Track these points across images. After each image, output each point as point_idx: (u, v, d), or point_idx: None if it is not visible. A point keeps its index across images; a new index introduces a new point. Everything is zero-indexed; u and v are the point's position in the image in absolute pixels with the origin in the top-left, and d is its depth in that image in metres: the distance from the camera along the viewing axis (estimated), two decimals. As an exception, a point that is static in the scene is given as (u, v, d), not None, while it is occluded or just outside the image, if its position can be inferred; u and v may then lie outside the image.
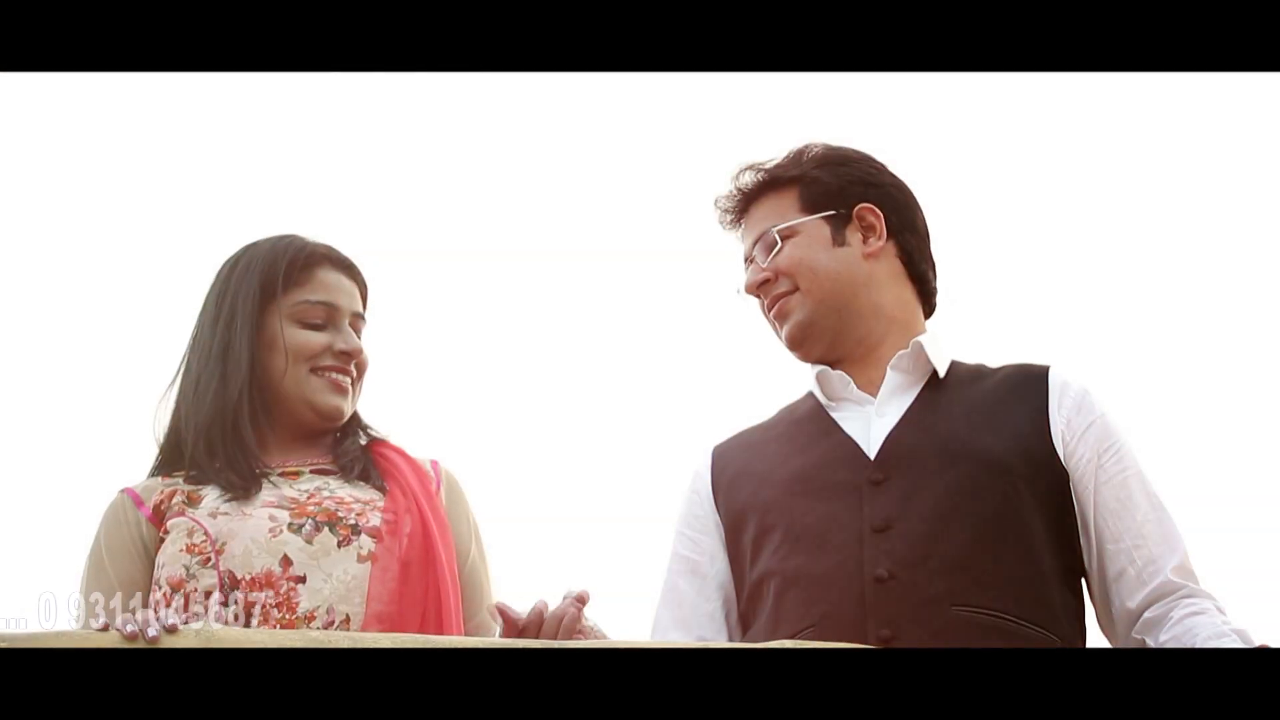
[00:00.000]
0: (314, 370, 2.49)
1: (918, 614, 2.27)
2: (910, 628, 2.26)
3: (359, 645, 1.99)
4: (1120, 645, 2.39)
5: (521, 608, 2.22)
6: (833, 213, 2.55)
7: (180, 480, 2.45)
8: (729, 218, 2.64)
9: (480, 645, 2.06)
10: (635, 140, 4.51)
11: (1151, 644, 2.33)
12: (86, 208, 4.49)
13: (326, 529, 2.37)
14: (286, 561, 2.33)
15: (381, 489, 2.46)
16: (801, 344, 2.55)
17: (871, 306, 2.53)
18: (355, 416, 2.57)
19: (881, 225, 2.55)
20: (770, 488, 2.45)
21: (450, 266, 4.49)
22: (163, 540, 2.39)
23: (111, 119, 4.41)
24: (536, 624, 2.20)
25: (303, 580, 2.32)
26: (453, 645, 2.05)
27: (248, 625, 2.26)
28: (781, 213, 2.57)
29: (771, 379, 2.70)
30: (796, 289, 2.53)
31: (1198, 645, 2.27)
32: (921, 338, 2.51)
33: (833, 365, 2.53)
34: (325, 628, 2.29)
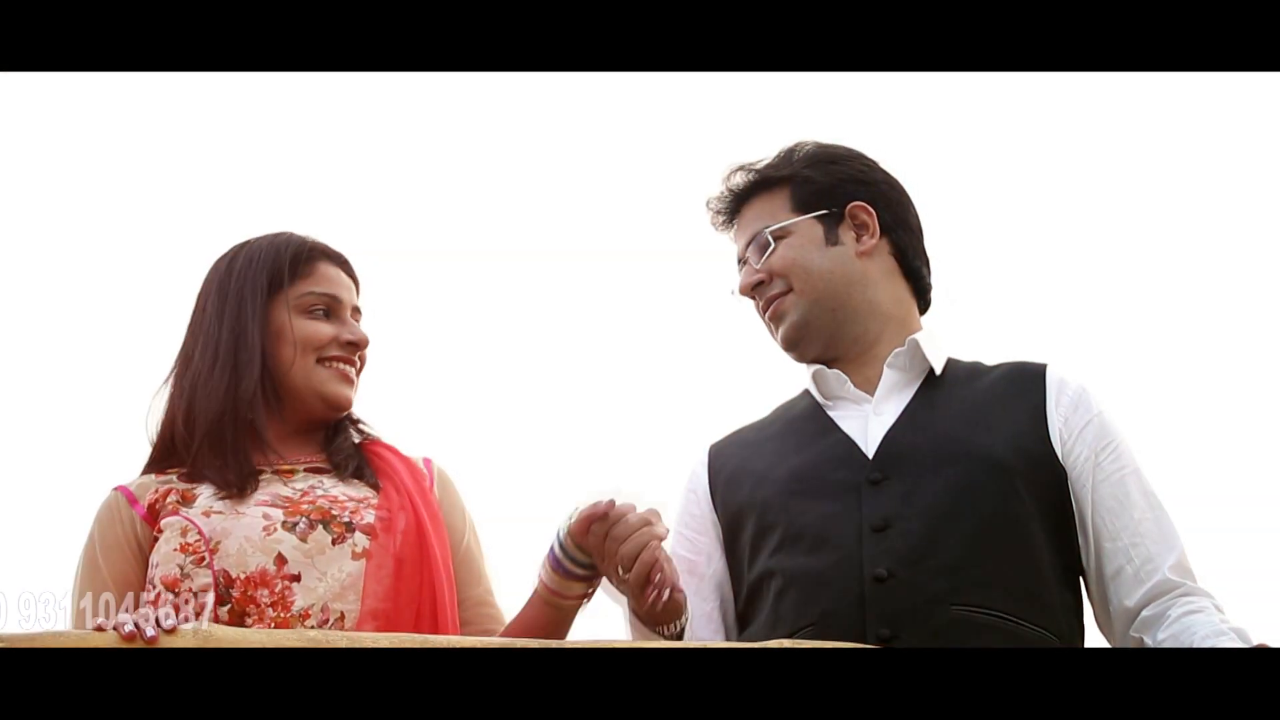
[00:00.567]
0: (320, 360, 2.50)
1: (917, 613, 2.27)
2: (909, 627, 2.26)
3: (358, 645, 1.99)
4: (1118, 643, 2.39)
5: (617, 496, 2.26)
6: (825, 212, 2.55)
7: (174, 478, 2.45)
8: (721, 219, 2.63)
9: (480, 645, 2.05)
10: (633, 140, 4.51)
11: (1149, 642, 2.33)
12: (81, 207, 4.50)
13: (321, 527, 2.37)
14: (281, 560, 2.32)
15: (375, 487, 2.46)
16: (797, 345, 2.55)
17: (866, 305, 2.53)
18: (348, 413, 2.57)
19: (874, 223, 2.55)
20: (768, 487, 2.45)
21: (447, 266, 4.49)
22: (157, 539, 2.38)
23: (104, 119, 4.41)
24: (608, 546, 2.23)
25: (297, 578, 2.32)
26: (452, 645, 2.05)
27: (243, 624, 2.26)
28: (773, 213, 2.56)
29: (768, 378, 2.70)
30: (790, 290, 2.53)
31: (1195, 643, 2.27)
32: (918, 335, 2.51)
33: (829, 364, 2.53)
34: (320, 625, 2.29)
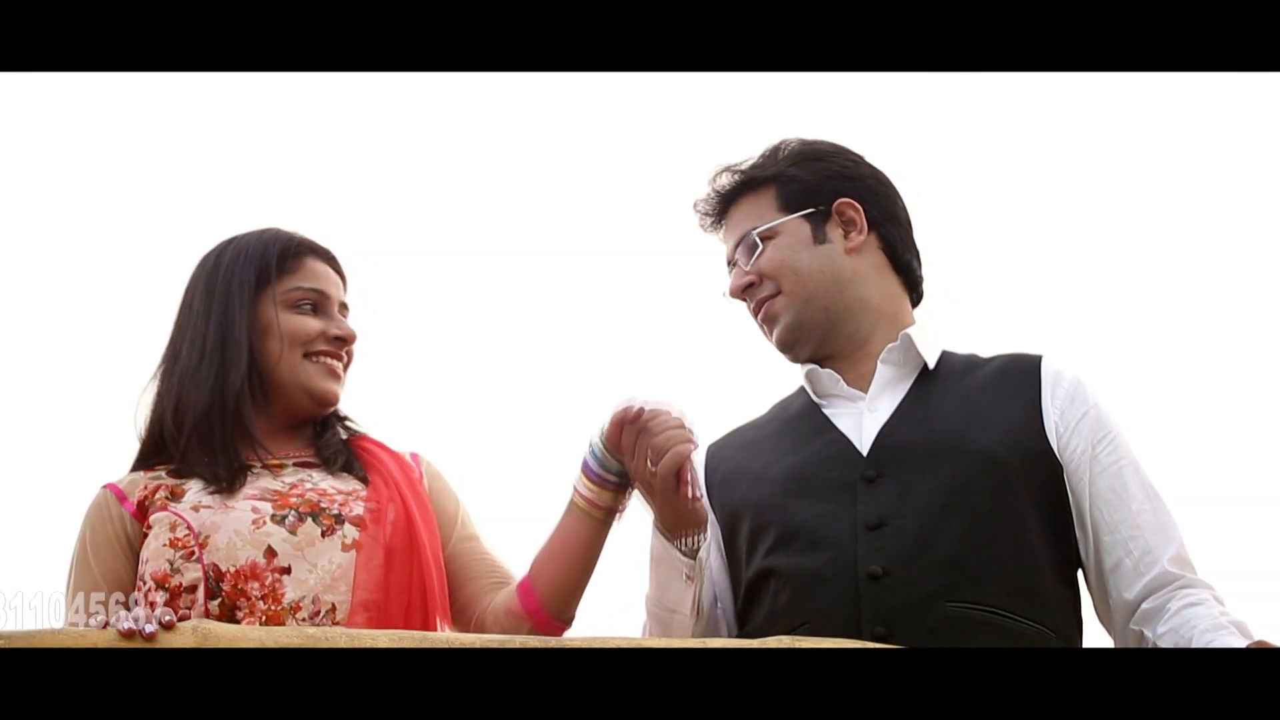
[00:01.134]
0: (308, 355, 2.49)
1: (912, 610, 2.27)
2: (904, 624, 2.26)
3: (358, 645, 1.99)
4: (1118, 636, 2.39)
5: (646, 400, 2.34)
6: (812, 210, 2.54)
7: (163, 474, 2.45)
8: (709, 220, 2.62)
9: (479, 645, 2.05)
10: (630, 140, 4.51)
11: (1149, 635, 2.33)
12: (69, 205, 4.50)
13: (310, 519, 2.37)
14: (271, 553, 2.33)
15: (364, 480, 2.47)
16: (792, 346, 2.54)
17: (858, 302, 2.52)
18: (335, 409, 2.57)
19: (862, 219, 2.54)
20: (764, 486, 2.45)
21: (446, 266, 4.50)
22: (146, 535, 2.39)
23: (98, 119, 4.41)
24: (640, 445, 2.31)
25: (288, 571, 2.32)
26: (451, 645, 2.05)
27: (234, 617, 2.27)
28: (760, 213, 2.55)
29: (765, 377, 2.70)
30: (780, 292, 2.52)
31: (1195, 636, 2.26)
32: (910, 330, 2.50)
33: (824, 363, 2.52)
34: (311, 617, 2.30)
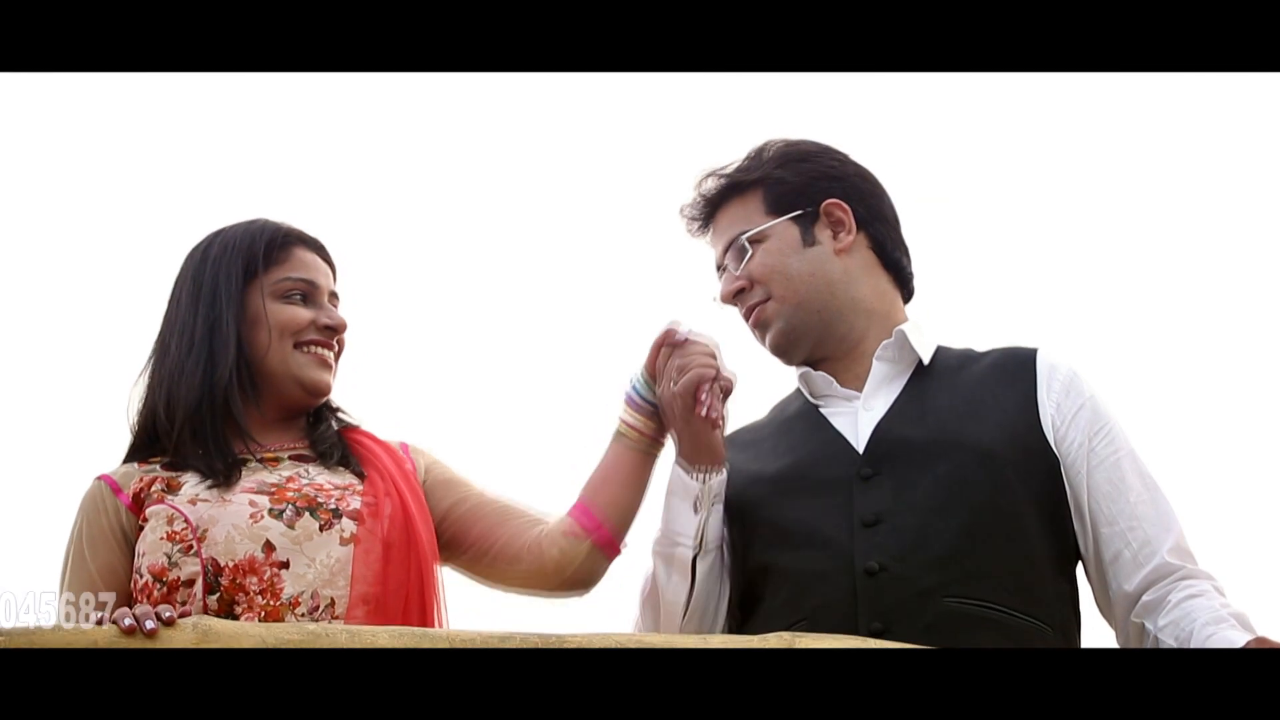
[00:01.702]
0: (298, 345, 2.48)
1: (909, 606, 2.28)
2: (901, 620, 2.26)
3: (358, 644, 1.99)
4: (1119, 629, 2.38)
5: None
6: (800, 212, 2.53)
7: (158, 466, 2.43)
8: (696, 225, 2.61)
9: (479, 645, 2.05)
10: (621, 139, 4.51)
11: (1150, 628, 2.32)
12: (61, 202, 4.49)
13: (308, 514, 2.36)
14: (269, 547, 2.32)
15: (360, 474, 2.46)
16: (786, 351, 2.54)
17: (850, 302, 2.52)
18: (327, 400, 2.57)
19: (850, 219, 2.53)
20: (762, 485, 2.45)
21: (443, 266, 4.50)
22: (142, 527, 2.37)
23: (92, 119, 4.41)
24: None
25: (286, 565, 2.31)
26: (451, 645, 2.04)
27: (232, 612, 2.26)
28: (748, 217, 2.55)
29: (762, 377, 2.70)
30: (771, 297, 2.52)
31: (1196, 630, 2.26)
32: (904, 326, 2.50)
33: (818, 364, 2.52)
34: (310, 612, 2.29)
